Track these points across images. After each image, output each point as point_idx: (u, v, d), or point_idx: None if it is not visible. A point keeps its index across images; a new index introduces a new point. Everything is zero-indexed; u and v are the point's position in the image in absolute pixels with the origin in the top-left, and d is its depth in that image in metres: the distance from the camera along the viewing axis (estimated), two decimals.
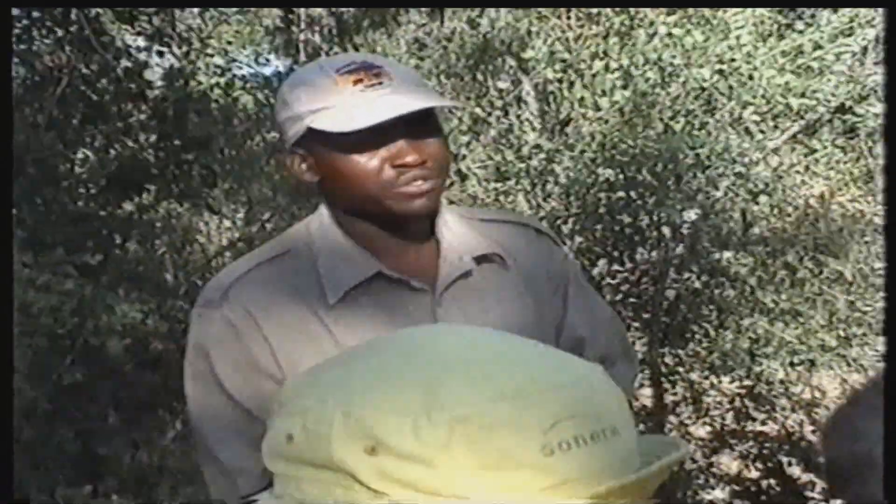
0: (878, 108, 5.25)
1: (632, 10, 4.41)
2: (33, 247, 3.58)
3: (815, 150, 5.00)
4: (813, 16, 5.49)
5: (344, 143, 1.74)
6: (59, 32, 4.00)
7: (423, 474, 0.91)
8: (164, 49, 4.33)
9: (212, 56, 4.90)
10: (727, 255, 4.52)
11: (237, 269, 1.86)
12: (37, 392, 3.36)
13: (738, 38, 4.55)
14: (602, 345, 1.98)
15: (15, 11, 3.95)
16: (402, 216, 1.78)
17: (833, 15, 5.69)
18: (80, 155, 4.33)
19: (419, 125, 1.76)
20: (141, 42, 4.30)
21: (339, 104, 1.74)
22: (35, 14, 4.05)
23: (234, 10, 5.21)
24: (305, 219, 1.96)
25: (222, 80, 4.72)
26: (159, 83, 4.36)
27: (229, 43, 5.86)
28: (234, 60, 5.20)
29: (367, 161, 1.75)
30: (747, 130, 4.61)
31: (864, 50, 5.94)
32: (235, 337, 1.79)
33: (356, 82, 1.76)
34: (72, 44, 3.92)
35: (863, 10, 5.82)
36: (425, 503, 0.90)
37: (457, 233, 1.88)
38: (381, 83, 1.76)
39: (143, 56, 4.23)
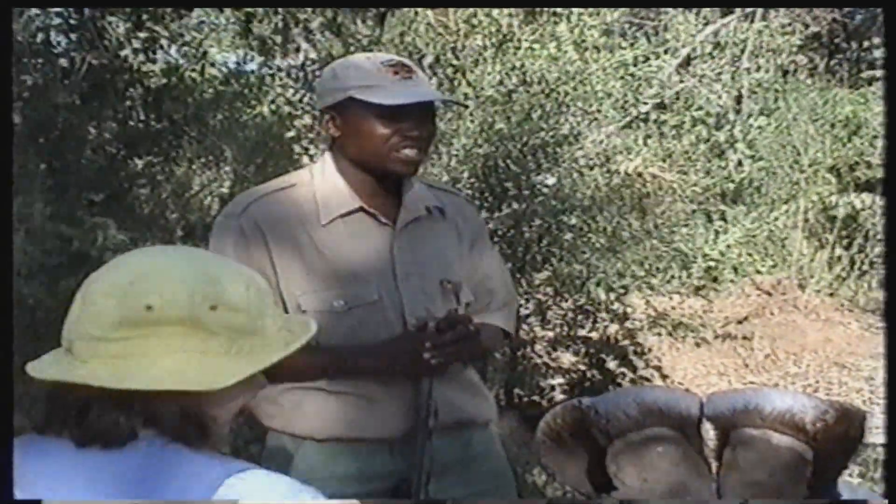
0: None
1: (504, 28, 4.56)
2: (57, 191, 3.65)
3: (635, 137, 5.20)
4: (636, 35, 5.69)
5: (375, 113, 1.89)
6: (79, 34, 4.07)
7: (244, 320, 1.13)
8: (161, 49, 4.42)
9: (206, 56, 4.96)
10: (568, 208, 4.65)
11: (255, 193, 2.02)
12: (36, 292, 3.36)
13: (582, 50, 4.73)
14: (504, 290, 2.16)
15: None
16: (394, 173, 1.97)
17: (654, 37, 5.92)
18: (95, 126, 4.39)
19: (426, 112, 1.96)
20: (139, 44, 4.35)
21: (380, 85, 1.88)
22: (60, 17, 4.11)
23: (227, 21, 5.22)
24: (308, 166, 2.12)
25: (207, 73, 4.82)
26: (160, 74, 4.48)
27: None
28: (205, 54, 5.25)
29: (384, 129, 1.89)
30: (585, 120, 4.79)
31: (683, 64, 6.17)
32: (244, 242, 1.92)
33: (395, 73, 1.92)
34: (88, 42, 4.00)
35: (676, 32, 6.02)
36: (243, 339, 1.13)
37: (414, 189, 2.03)
38: (411, 78, 1.94)
39: (150, 54, 4.33)
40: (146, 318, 1.08)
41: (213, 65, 5.22)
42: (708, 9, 6.32)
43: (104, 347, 1.08)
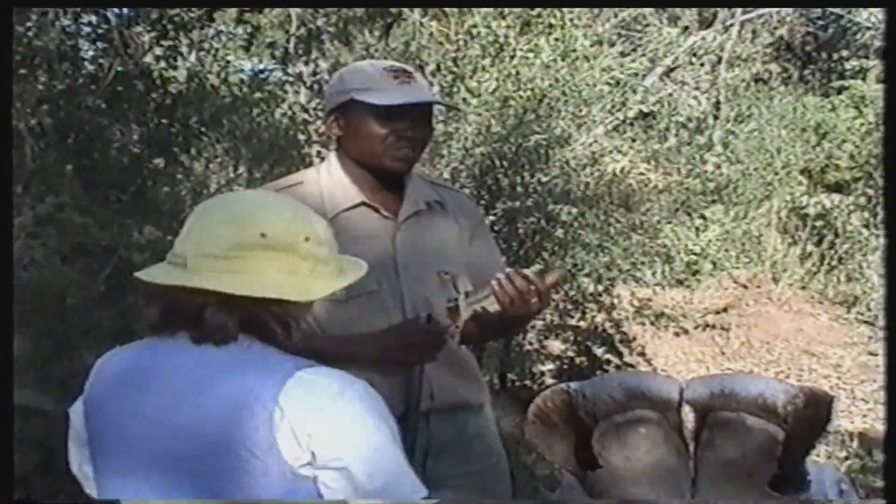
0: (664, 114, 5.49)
1: (501, 38, 4.55)
2: (86, 187, 3.63)
3: (622, 140, 5.19)
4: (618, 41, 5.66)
5: (373, 113, 1.86)
6: (109, 42, 4.05)
7: (324, 250, 1.33)
8: (182, 57, 4.39)
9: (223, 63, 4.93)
10: (559, 206, 4.62)
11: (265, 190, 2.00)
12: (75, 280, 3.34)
13: (572, 59, 4.71)
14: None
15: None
16: (389, 170, 1.95)
17: (640, 47, 5.90)
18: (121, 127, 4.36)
19: (422, 114, 1.93)
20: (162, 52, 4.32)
21: (379, 88, 1.86)
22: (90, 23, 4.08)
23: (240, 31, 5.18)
24: (315, 165, 2.09)
25: (227, 78, 4.79)
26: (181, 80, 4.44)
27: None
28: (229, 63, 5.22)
29: (382, 129, 1.87)
30: (575, 124, 4.77)
31: (666, 73, 6.16)
32: None
33: (395, 77, 1.89)
34: (114, 49, 3.98)
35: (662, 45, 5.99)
36: (321, 266, 1.33)
37: (416, 184, 2.00)
38: (409, 82, 1.91)
39: (172, 61, 4.30)
40: (259, 243, 1.27)
41: (233, 71, 5.19)
42: (689, 21, 6.31)
43: (221, 263, 1.25)
